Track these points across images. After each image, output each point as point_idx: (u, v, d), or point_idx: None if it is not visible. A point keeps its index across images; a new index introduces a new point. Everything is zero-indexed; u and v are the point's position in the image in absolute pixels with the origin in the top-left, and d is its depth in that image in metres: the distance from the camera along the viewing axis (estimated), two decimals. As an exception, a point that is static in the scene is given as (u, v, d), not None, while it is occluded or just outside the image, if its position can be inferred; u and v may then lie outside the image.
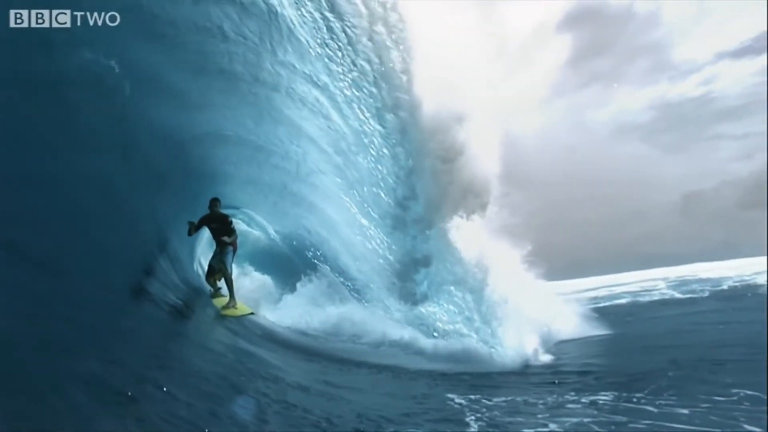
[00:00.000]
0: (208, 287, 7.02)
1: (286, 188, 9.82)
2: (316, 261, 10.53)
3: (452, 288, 7.93)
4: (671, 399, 4.23)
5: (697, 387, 4.55)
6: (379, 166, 8.74)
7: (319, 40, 7.12)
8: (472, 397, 4.71)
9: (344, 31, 7.39)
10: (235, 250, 6.75)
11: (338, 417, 3.43)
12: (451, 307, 7.89)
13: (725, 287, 17.21)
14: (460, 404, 4.45)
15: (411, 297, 8.04)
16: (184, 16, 5.50)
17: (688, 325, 9.21)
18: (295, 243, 10.93)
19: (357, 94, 8.14)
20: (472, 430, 3.63)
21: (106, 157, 4.75)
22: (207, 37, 6.03)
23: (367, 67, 8.01)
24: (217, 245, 6.76)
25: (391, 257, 8.96)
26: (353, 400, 4.25)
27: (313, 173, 9.41)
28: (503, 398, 4.67)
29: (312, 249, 10.70)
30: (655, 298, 16.79)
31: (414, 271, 8.36)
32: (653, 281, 25.59)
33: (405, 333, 7.60)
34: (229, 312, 6.44)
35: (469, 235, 8.10)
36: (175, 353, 3.67)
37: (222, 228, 6.62)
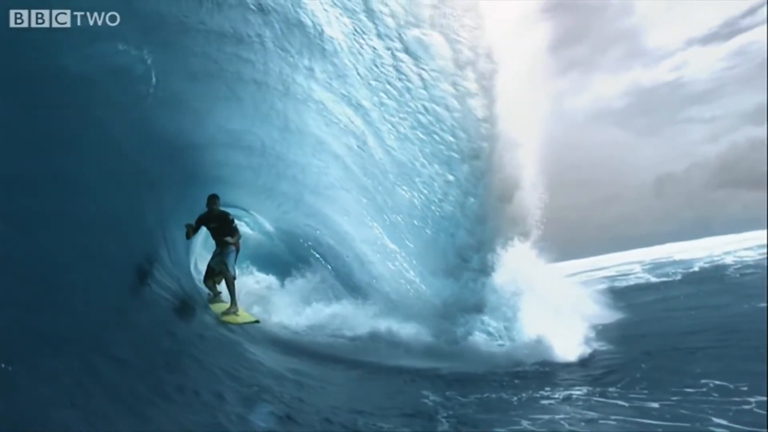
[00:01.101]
0: (206, 290, 6.53)
1: (302, 199, 9.56)
2: (315, 261, 10.46)
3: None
4: (643, 393, 4.34)
5: (669, 378, 4.69)
6: (434, 207, 8.18)
7: (374, 71, 6.79)
8: (447, 393, 4.75)
9: (419, 75, 6.96)
10: (237, 251, 6.25)
11: (310, 406, 3.61)
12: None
13: (696, 269, 17.76)
14: (434, 401, 4.48)
15: (451, 335, 7.44)
16: (222, 24, 5.51)
17: (662, 312, 9.51)
18: (300, 250, 10.78)
19: (422, 136, 7.62)
20: (443, 428, 3.69)
21: (122, 158, 5.06)
22: (243, 46, 5.98)
23: (444, 113, 7.43)
24: (217, 245, 6.29)
25: (428, 291, 8.55)
26: (327, 394, 4.41)
27: (333, 188, 9.01)
28: (477, 395, 4.71)
29: (317, 255, 10.57)
30: (632, 282, 17.21)
31: (462, 315, 7.75)
32: (630, 265, 26.24)
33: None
34: (230, 318, 5.98)
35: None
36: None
37: (222, 227, 6.14)
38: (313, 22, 5.96)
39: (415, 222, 8.36)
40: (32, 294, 2.66)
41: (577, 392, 4.63)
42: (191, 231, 5.93)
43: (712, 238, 40.36)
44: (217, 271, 6.23)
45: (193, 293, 6.21)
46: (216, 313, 6.04)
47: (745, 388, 4.16)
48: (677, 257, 25.07)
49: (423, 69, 6.92)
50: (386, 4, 5.92)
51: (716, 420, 3.57)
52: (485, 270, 7.74)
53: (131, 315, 3.86)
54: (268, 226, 11.15)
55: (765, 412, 3.59)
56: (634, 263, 26.90)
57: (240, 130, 7.56)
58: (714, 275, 14.81)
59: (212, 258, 6.34)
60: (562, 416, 3.92)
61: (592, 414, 3.98)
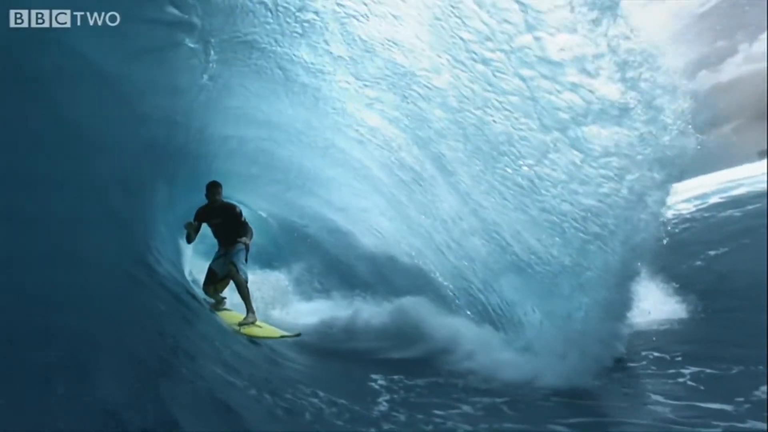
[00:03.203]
0: (206, 298, 5.51)
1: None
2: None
3: None
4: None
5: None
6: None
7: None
8: (395, 377, 4.66)
9: None
10: (247, 249, 5.27)
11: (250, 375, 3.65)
12: None
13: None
14: (381, 385, 4.43)
15: None
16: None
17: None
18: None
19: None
20: (380, 409, 3.73)
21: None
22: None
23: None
24: (221, 246, 5.37)
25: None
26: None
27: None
28: (425, 379, 4.66)
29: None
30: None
31: None
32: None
33: None
34: (252, 331, 4.96)
35: None
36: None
37: (228, 223, 5.18)
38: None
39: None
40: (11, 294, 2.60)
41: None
42: (193, 231, 5.05)
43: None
44: (221, 275, 5.28)
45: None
46: (229, 324, 5.10)
47: (680, 359, 4.39)
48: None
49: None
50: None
51: (654, 397, 3.75)
52: None
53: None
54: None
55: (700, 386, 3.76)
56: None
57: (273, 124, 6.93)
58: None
59: (214, 259, 5.37)
60: (501, 400, 3.97)
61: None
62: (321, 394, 3.82)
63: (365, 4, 5.05)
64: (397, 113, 6.00)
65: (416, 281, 7.12)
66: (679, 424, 3.23)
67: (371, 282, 8.38)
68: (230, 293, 5.85)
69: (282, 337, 5.17)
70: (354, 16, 5.21)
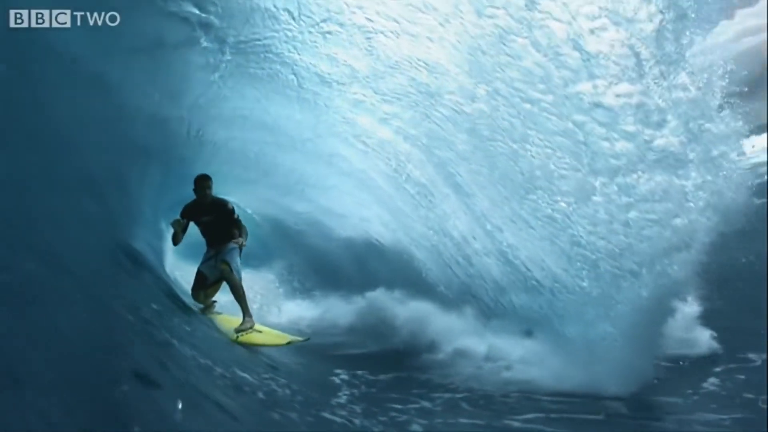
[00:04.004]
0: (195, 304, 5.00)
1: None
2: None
3: None
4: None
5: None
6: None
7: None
8: (359, 372, 4.58)
9: None
10: (241, 248, 4.81)
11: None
12: None
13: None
14: (343, 379, 4.35)
15: None
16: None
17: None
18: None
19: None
20: (339, 401, 3.69)
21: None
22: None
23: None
24: (210, 247, 4.83)
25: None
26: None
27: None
28: (389, 374, 4.59)
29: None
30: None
31: None
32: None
33: None
34: (251, 338, 4.47)
35: None
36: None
37: (219, 222, 4.67)
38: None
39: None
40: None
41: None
42: (181, 230, 4.50)
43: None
44: (212, 279, 4.79)
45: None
46: (224, 330, 4.62)
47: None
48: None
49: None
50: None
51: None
52: None
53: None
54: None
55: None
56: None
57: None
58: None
59: (203, 262, 4.85)
60: (461, 395, 4.01)
61: (490, 388, 4.21)
62: (281, 380, 3.72)
63: (397, 22, 4.86)
64: (415, 131, 5.88)
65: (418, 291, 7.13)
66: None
67: (357, 284, 8.31)
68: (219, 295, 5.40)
69: (289, 343, 4.67)
70: (382, 32, 5.01)
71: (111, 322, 3.13)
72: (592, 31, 3.61)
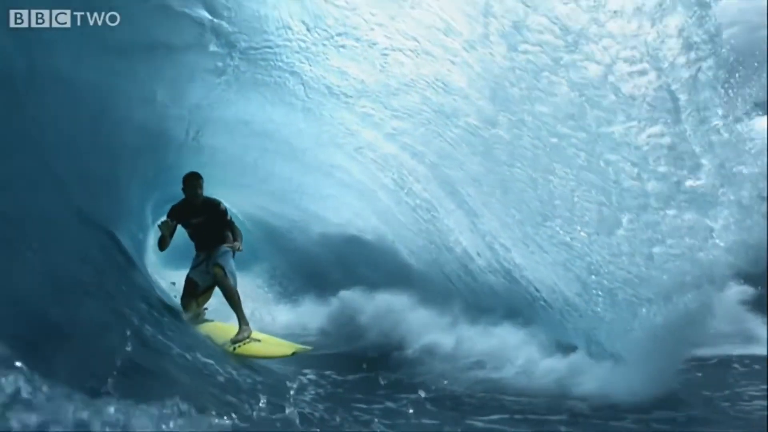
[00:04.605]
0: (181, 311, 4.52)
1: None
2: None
3: None
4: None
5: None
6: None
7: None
8: (326, 372, 4.36)
9: None
10: (235, 253, 4.41)
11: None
12: None
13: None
14: (309, 379, 4.14)
15: None
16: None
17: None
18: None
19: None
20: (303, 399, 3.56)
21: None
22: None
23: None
24: (200, 251, 4.45)
25: None
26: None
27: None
28: (357, 375, 4.38)
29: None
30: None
31: None
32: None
33: None
34: (250, 349, 4.08)
35: None
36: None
37: (211, 224, 4.31)
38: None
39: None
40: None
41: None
42: (169, 233, 4.14)
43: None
44: (204, 285, 4.40)
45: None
46: (218, 340, 4.19)
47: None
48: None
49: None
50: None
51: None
52: None
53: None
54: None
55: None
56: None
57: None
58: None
59: (193, 267, 4.46)
60: (425, 394, 3.91)
61: (454, 389, 4.14)
62: (244, 371, 3.55)
63: (417, 41, 4.72)
64: (423, 148, 5.78)
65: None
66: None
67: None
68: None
69: (294, 353, 4.24)
70: (401, 50, 4.85)
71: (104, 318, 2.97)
72: (630, 75, 3.60)
